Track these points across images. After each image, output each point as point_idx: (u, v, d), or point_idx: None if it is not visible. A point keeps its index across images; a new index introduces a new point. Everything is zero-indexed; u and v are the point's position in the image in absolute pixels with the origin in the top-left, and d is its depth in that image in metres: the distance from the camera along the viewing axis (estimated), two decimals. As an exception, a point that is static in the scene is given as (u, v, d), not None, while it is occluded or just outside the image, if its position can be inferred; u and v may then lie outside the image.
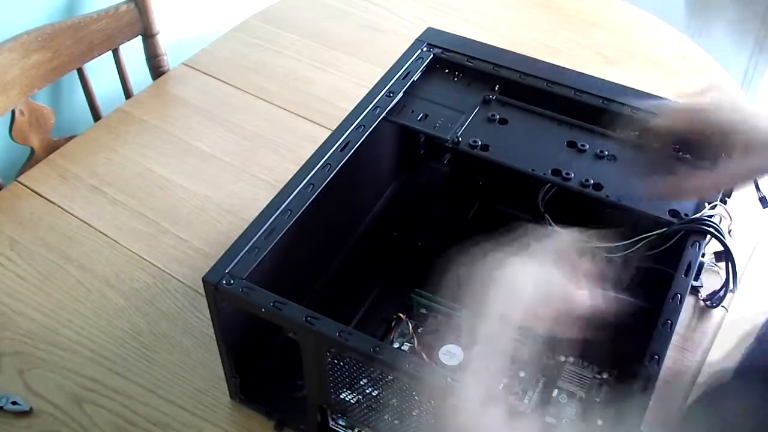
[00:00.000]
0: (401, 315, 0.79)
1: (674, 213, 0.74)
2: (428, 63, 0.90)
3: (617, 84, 0.87)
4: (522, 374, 0.76)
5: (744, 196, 0.82)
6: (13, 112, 1.15)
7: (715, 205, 0.74)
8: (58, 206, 1.02)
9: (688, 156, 0.71)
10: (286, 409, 0.77)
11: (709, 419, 0.61)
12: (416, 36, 0.93)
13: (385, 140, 0.90)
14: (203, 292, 0.69)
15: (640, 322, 0.70)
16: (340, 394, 0.68)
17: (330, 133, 0.81)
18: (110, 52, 1.26)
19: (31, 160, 1.18)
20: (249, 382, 0.78)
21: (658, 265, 0.81)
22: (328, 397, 0.69)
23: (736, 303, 0.88)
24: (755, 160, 0.60)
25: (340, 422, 0.72)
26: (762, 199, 0.83)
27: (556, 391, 0.73)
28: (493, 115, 0.85)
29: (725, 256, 0.75)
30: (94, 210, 1.01)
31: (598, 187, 0.77)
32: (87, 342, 0.86)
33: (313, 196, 0.74)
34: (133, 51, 1.29)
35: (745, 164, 0.60)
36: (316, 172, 0.76)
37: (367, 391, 0.67)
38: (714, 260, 0.84)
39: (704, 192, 0.63)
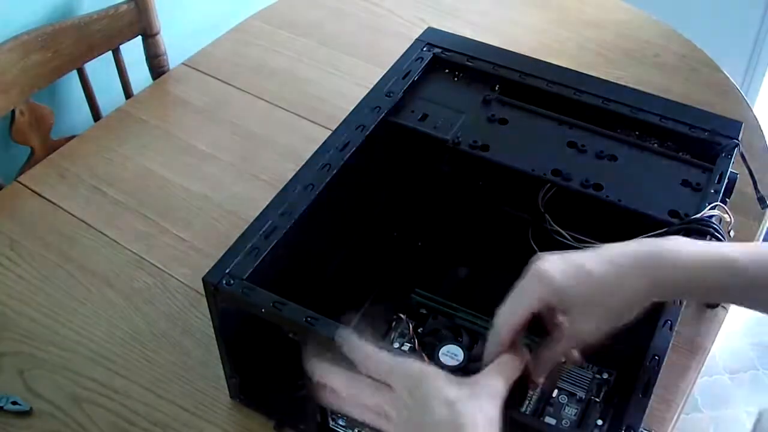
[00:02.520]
0: (401, 315, 0.79)
1: (674, 213, 0.74)
2: (428, 63, 0.90)
3: (617, 84, 0.88)
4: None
5: (744, 197, 0.83)
6: (13, 112, 1.15)
7: (716, 206, 0.74)
8: (58, 206, 1.02)
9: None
10: (286, 409, 0.77)
11: None
12: (416, 36, 0.93)
13: (385, 140, 0.90)
14: (203, 292, 0.69)
15: (640, 322, 0.70)
16: (340, 394, 0.68)
17: (330, 133, 0.81)
18: (110, 52, 1.26)
19: (31, 160, 1.19)
20: (249, 382, 0.78)
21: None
22: (328, 397, 0.69)
23: (736, 303, 0.88)
24: (577, 325, 0.59)
25: (340, 422, 0.72)
26: (761, 199, 0.83)
27: (556, 391, 0.73)
28: (493, 115, 0.85)
29: (725, 256, 0.75)
30: (94, 210, 1.01)
31: (598, 187, 0.77)
32: (87, 342, 0.86)
33: (313, 196, 0.74)
34: (133, 51, 1.29)
35: (570, 331, 0.59)
36: (316, 172, 0.76)
37: (367, 391, 0.66)
38: (714, 260, 0.84)
39: (547, 365, 0.62)
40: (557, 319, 0.62)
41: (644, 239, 0.60)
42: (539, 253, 0.61)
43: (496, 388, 0.56)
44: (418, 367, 0.57)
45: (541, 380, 0.62)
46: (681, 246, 0.59)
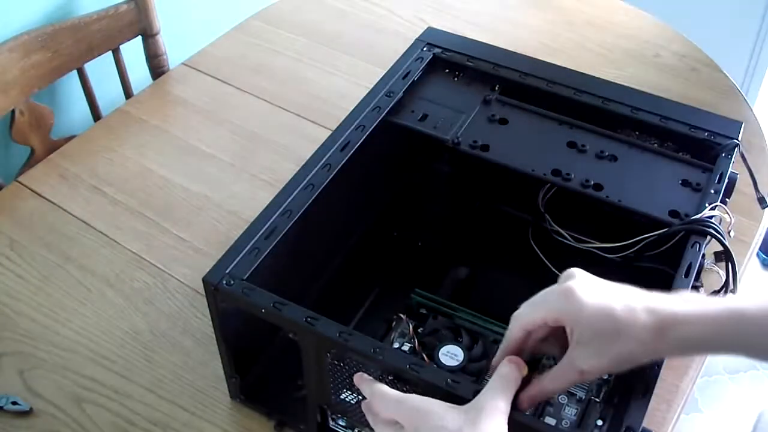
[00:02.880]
0: (401, 315, 0.79)
1: (674, 213, 0.74)
2: (428, 63, 0.90)
3: (617, 84, 0.88)
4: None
5: (744, 197, 0.83)
6: (13, 112, 1.15)
7: (716, 206, 0.74)
8: (58, 206, 1.02)
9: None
10: (286, 409, 0.77)
11: None
12: (416, 36, 0.93)
13: (385, 140, 0.90)
14: (203, 292, 0.69)
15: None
16: (340, 394, 0.68)
17: (330, 133, 0.81)
18: (110, 52, 1.26)
19: (31, 160, 1.19)
20: (249, 382, 0.78)
21: (658, 265, 0.81)
22: (328, 397, 0.69)
23: (736, 303, 0.88)
24: (579, 361, 0.58)
25: (340, 422, 0.72)
26: (761, 200, 0.83)
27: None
28: (493, 115, 0.85)
29: (725, 256, 0.75)
30: (94, 210, 1.01)
31: (598, 187, 0.77)
32: (87, 342, 0.86)
33: (313, 196, 0.74)
34: (133, 51, 1.29)
35: (570, 360, 0.58)
36: (316, 172, 0.76)
37: (368, 391, 0.67)
38: (714, 260, 0.84)
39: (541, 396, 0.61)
40: (561, 349, 0.61)
41: (660, 297, 0.59)
42: (578, 270, 0.60)
43: (498, 407, 0.57)
44: (422, 402, 0.58)
45: (528, 409, 0.62)
46: (691, 305, 0.58)
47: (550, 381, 0.60)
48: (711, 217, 0.72)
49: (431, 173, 0.97)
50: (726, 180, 0.77)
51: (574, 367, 0.58)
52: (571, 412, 0.70)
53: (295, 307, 0.65)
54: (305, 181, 0.75)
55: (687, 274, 0.68)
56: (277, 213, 0.72)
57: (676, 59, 1.26)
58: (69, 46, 1.18)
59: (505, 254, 0.91)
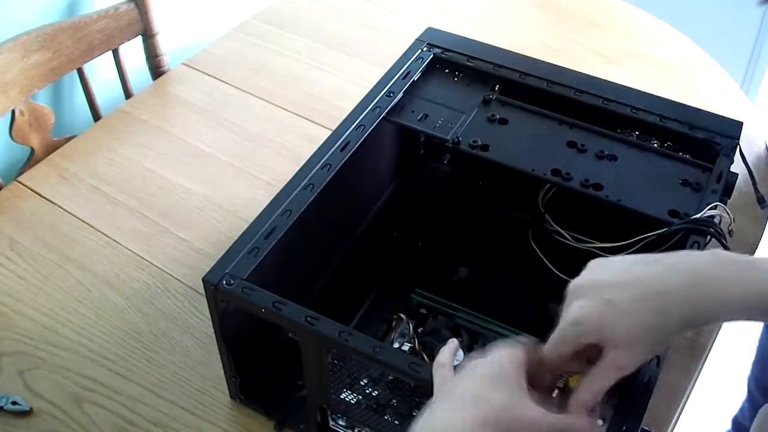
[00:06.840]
0: (401, 315, 0.79)
1: (674, 213, 0.74)
2: (428, 63, 0.90)
3: (617, 84, 0.88)
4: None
5: (744, 197, 0.83)
6: (13, 112, 1.15)
7: (716, 206, 0.74)
8: (58, 206, 1.02)
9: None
10: (286, 409, 0.77)
11: None
12: (416, 36, 0.93)
13: (385, 140, 0.90)
14: (203, 292, 0.69)
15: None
16: (340, 394, 0.68)
17: (330, 133, 0.81)
18: (110, 52, 1.26)
19: (31, 160, 1.18)
20: (249, 382, 0.78)
21: (658, 265, 0.80)
22: (328, 397, 0.69)
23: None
24: (617, 359, 0.56)
25: (340, 422, 0.73)
26: (760, 199, 0.83)
27: (556, 391, 0.73)
28: (493, 115, 0.85)
29: (725, 256, 0.75)
30: (94, 210, 1.01)
31: (598, 187, 0.77)
32: (87, 342, 0.86)
33: (313, 196, 0.74)
34: (133, 51, 1.29)
35: (611, 364, 0.56)
36: (316, 172, 0.76)
37: (367, 391, 0.67)
38: (714, 260, 0.84)
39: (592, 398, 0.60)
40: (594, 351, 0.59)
41: (676, 267, 0.57)
42: (575, 287, 0.58)
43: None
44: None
45: (593, 415, 0.59)
46: (720, 270, 0.56)
47: (595, 384, 0.57)
48: (711, 216, 0.72)
49: (431, 173, 0.97)
50: (726, 180, 0.77)
51: (614, 367, 0.57)
52: (571, 411, 0.70)
53: (295, 306, 0.65)
54: (305, 181, 0.75)
55: (687, 274, 0.68)
56: (277, 213, 0.72)
57: (676, 59, 1.26)
58: (69, 46, 1.18)
59: (505, 254, 0.91)
